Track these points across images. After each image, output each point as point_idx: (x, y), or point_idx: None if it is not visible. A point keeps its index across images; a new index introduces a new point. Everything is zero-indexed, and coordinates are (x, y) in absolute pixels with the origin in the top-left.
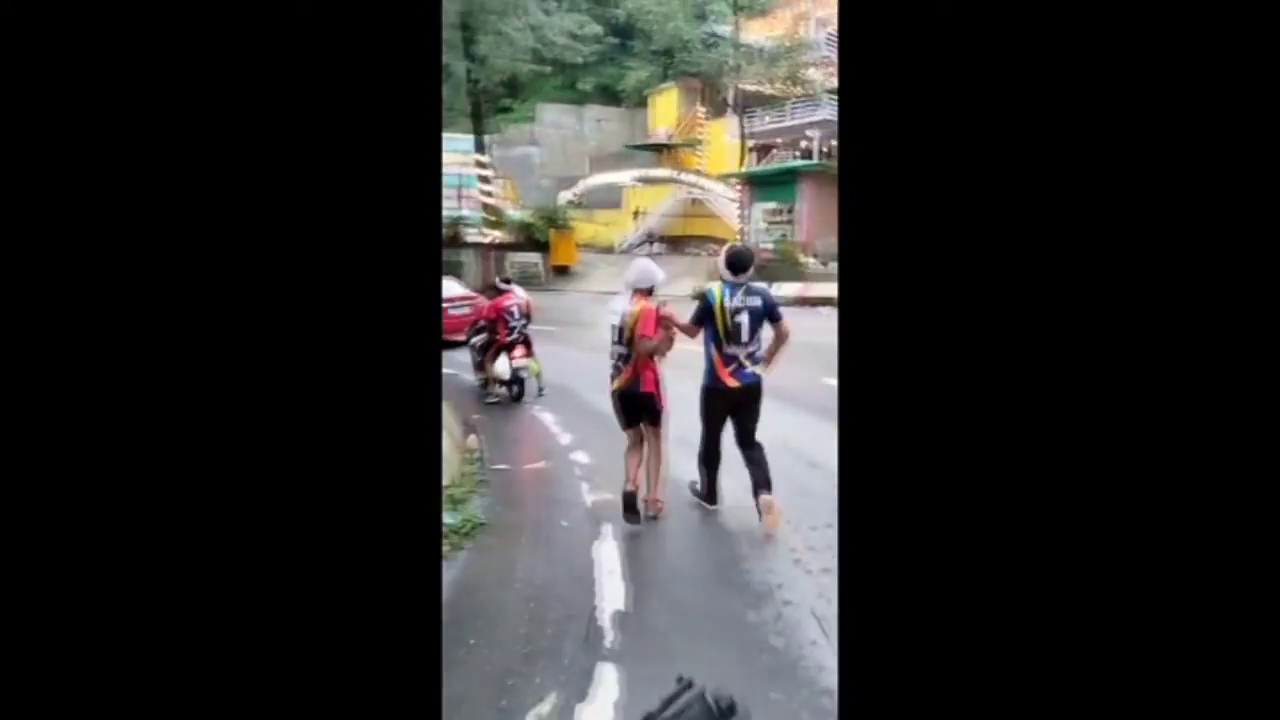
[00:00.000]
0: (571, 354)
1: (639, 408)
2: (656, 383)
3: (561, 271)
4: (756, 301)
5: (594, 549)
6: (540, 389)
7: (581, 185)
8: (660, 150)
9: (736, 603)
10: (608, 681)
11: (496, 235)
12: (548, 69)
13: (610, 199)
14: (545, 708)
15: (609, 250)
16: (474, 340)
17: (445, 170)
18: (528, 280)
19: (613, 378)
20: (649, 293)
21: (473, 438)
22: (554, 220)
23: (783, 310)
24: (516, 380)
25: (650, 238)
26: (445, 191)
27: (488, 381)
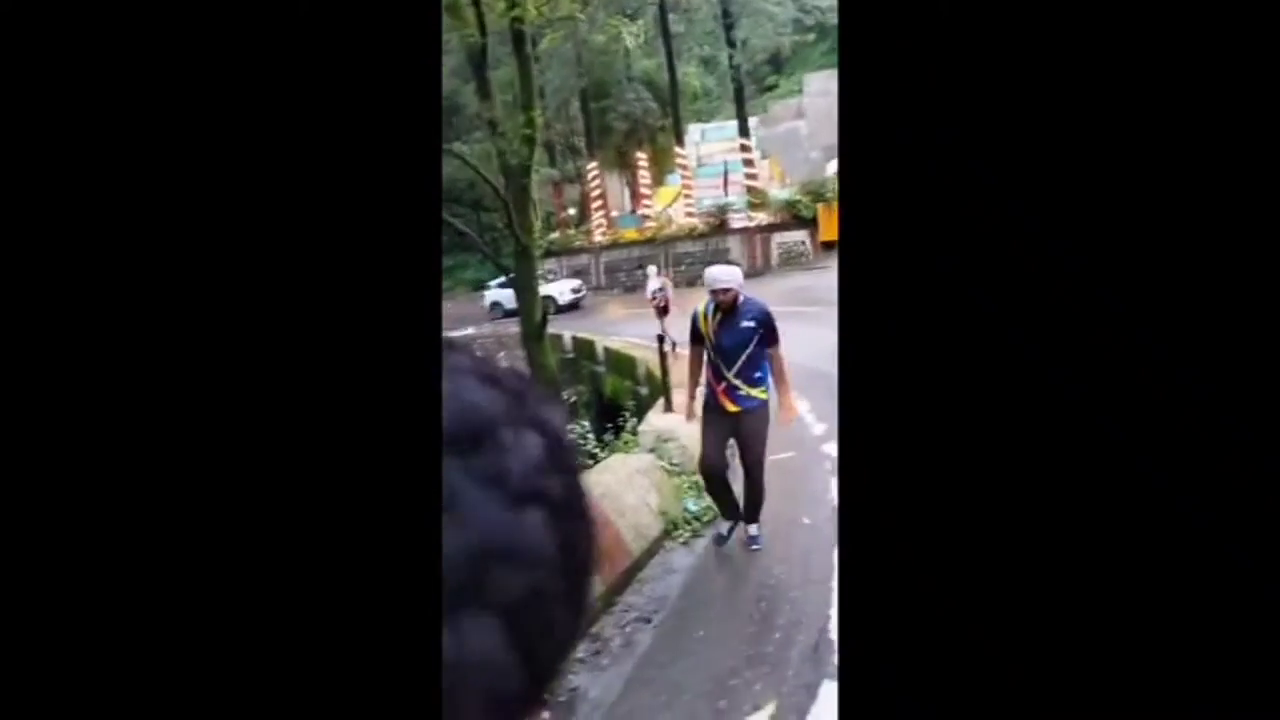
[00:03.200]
0: (830, 336)
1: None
2: None
3: (831, 247)
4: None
5: (835, 552)
6: None
7: None
8: None
9: None
10: (830, 701)
11: (761, 217)
12: (811, 37)
13: None
14: (762, 717)
15: None
16: None
17: (712, 160)
18: (794, 260)
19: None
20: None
21: None
22: (820, 195)
23: None
24: None
25: None
26: (712, 181)
27: None
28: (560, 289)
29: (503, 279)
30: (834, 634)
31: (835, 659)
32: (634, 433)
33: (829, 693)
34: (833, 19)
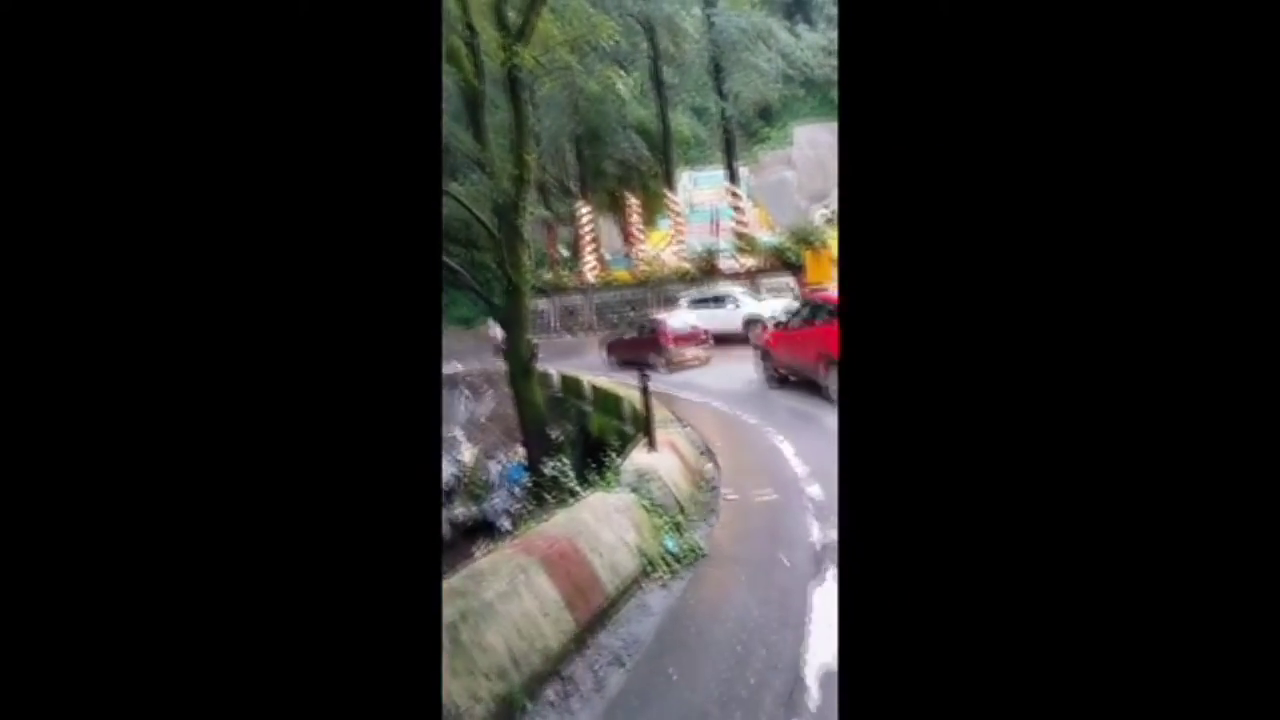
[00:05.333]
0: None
1: None
2: None
3: (818, 291)
4: None
5: (812, 593)
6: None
7: (834, 198)
8: None
9: None
10: None
11: (749, 261)
12: (800, 90)
13: None
14: None
15: None
16: None
17: (702, 205)
18: None
19: None
20: None
21: (709, 465)
22: (808, 240)
23: None
24: None
25: None
26: (702, 226)
27: None
28: (773, 309)
29: (695, 296)
30: (808, 677)
31: (808, 701)
32: (616, 471)
33: None
34: (819, 74)
